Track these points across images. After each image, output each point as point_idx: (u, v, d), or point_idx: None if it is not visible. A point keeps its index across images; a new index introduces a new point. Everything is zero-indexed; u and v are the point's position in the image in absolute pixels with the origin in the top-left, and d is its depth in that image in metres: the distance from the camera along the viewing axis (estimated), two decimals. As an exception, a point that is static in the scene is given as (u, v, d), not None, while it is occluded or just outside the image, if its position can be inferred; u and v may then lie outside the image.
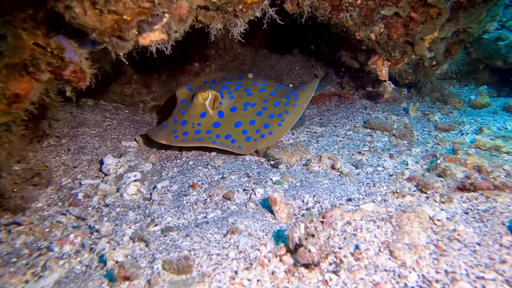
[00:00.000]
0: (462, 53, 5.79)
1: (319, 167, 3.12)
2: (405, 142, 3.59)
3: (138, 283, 1.70)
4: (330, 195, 2.58)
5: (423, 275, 1.71)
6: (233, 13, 2.38)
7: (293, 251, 1.87)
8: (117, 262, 1.94)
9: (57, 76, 2.09)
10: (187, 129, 3.58)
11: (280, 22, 2.69)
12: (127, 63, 2.13)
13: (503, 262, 1.75)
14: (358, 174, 2.94)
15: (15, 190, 2.84)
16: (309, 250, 1.78)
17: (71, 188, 3.05)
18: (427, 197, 2.39)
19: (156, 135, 3.56)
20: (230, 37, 6.44)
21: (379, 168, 3.01)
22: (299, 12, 3.27)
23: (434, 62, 4.40)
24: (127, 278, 1.72)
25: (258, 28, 3.83)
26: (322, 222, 2.00)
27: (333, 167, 3.07)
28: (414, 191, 2.49)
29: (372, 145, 3.48)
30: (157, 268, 1.82)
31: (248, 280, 1.70)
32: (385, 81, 4.40)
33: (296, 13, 3.26)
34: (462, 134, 3.65)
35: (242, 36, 2.67)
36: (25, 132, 2.88)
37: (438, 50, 4.10)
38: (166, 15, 1.94)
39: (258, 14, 2.55)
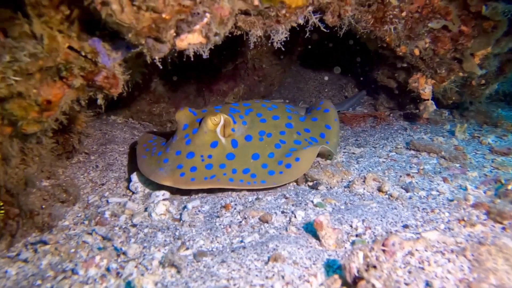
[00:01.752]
0: None
1: (364, 189, 2.81)
2: (457, 165, 3.23)
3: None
4: (381, 220, 2.25)
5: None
6: (275, 18, 2.21)
7: (350, 284, 1.56)
8: (145, 290, 1.68)
9: (89, 82, 1.96)
10: (195, 163, 2.88)
11: (324, 29, 2.49)
12: (161, 67, 1.98)
13: None
14: (410, 198, 2.61)
15: (44, 206, 2.68)
16: (373, 285, 1.46)
17: (98, 206, 2.87)
18: (503, 228, 2.02)
19: (155, 174, 2.85)
20: (259, 57, 6.32)
21: (434, 192, 2.66)
22: (339, 25, 3.07)
23: (483, 81, 4.07)
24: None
25: (289, 45, 3.47)
26: (383, 251, 1.68)
27: (380, 190, 2.75)
28: (485, 219, 2.13)
29: (420, 167, 3.14)
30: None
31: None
32: (427, 100, 4.09)
33: (336, 26, 3.06)
34: (524, 158, 3.25)
35: (282, 44, 2.47)
36: (55, 146, 2.77)
37: (490, 67, 3.78)
38: (207, 14, 1.79)
39: (301, 21, 2.39)
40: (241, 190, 2.97)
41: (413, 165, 3.27)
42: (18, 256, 2.35)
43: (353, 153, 3.80)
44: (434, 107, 3.91)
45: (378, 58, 4.61)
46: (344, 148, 4.01)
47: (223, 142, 3.04)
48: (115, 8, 1.57)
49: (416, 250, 1.85)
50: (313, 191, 2.89)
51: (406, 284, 1.59)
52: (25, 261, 2.26)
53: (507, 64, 3.95)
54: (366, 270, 1.54)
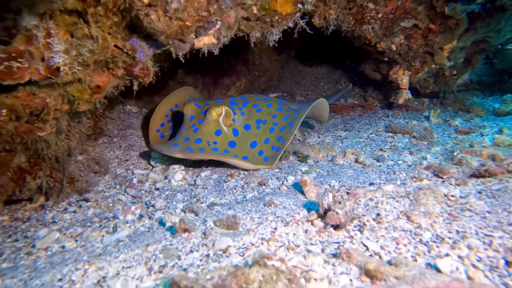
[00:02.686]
0: (486, 65, 6.06)
1: (344, 161, 3.47)
2: (425, 142, 3.88)
3: (195, 234, 2.10)
4: (354, 181, 2.91)
5: (436, 234, 2.00)
6: (270, 23, 2.86)
7: (322, 216, 2.22)
8: (173, 223, 2.35)
9: (128, 72, 2.62)
10: (203, 146, 3.37)
11: (309, 31, 3.14)
12: (183, 61, 2.63)
13: (511, 224, 2.02)
14: (379, 166, 3.27)
15: (82, 175, 3.36)
16: (337, 213, 2.12)
17: (125, 177, 3.54)
18: (443, 181, 2.68)
19: (169, 150, 3.32)
20: (259, 54, 6.92)
21: (400, 162, 3.33)
22: (325, 26, 3.72)
23: (455, 72, 4.71)
24: (186, 230, 2.12)
25: (286, 43, 4.08)
26: (347, 193, 2.35)
27: (356, 161, 3.41)
28: (432, 177, 2.78)
29: (393, 144, 3.80)
30: (210, 225, 2.21)
31: (286, 233, 2.05)
32: (405, 89, 4.73)
33: (323, 27, 3.70)
34: (482, 136, 3.90)
35: (277, 44, 3.12)
36: (91, 126, 3.43)
37: (458, 59, 4.43)
38: (219, 22, 2.44)
39: (291, 25, 3.03)
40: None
41: (388, 143, 3.93)
42: (66, 210, 3.03)
43: (339, 136, 4.46)
44: (410, 95, 4.54)
45: (365, 53, 5.25)
46: (333, 132, 4.66)
47: (225, 130, 3.51)
48: (154, 18, 2.22)
49: (375, 197, 2.50)
50: (302, 163, 3.56)
51: (363, 215, 2.25)
52: (74, 211, 2.93)
53: (474, 56, 4.59)
54: (334, 204, 2.20)
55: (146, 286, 1.67)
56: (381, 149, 3.65)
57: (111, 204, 2.94)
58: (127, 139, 4.27)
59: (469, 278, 1.67)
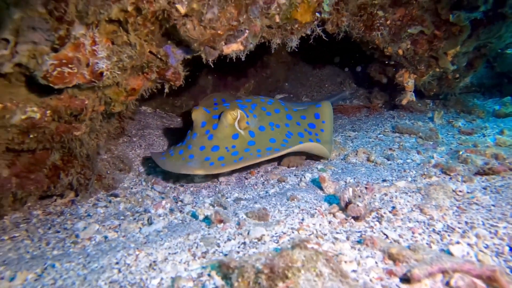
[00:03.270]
0: (487, 68, 6.34)
1: (356, 159, 3.71)
2: (431, 142, 4.13)
3: (230, 224, 2.33)
4: (367, 177, 3.16)
5: (447, 225, 2.25)
6: (290, 31, 3.10)
7: (344, 208, 2.46)
8: (206, 216, 2.58)
9: (161, 76, 2.84)
10: (222, 154, 3.18)
11: (325, 38, 3.38)
12: (213, 66, 2.86)
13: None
14: (390, 164, 3.51)
15: (108, 172, 3.58)
16: (358, 205, 2.36)
17: (148, 174, 3.76)
18: (450, 178, 2.93)
19: (185, 168, 3.08)
20: (267, 57, 7.15)
21: (408, 160, 3.57)
22: (337, 32, 3.96)
23: (457, 75, 4.97)
24: (221, 221, 2.35)
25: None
26: (366, 188, 2.59)
27: (368, 159, 3.65)
28: (440, 174, 3.03)
29: (401, 144, 4.05)
30: (242, 216, 2.45)
31: (313, 224, 2.29)
32: (410, 91, 4.99)
33: (335, 33, 3.95)
34: (484, 136, 4.16)
35: (295, 49, 3.35)
36: (117, 126, 3.65)
37: (461, 63, 4.69)
38: (246, 31, 2.68)
39: (309, 32, 3.27)
40: (261, 163, 3.85)
41: (396, 143, 4.18)
42: (97, 204, 3.25)
43: (349, 136, 4.70)
44: (414, 97, 4.79)
45: (371, 57, 5.50)
46: (342, 133, 4.91)
47: (242, 134, 3.37)
48: (189, 27, 2.45)
49: (389, 192, 2.75)
50: (317, 162, 3.80)
51: (380, 208, 2.49)
52: (106, 206, 3.16)
53: (475, 61, 4.86)
54: (354, 198, 2.44)
55: (194, 268, 1.90)
56: (390, 149, 3.90)
57: (140, 199, 3.16)
58: (146, 139, 4.49)
59: (479, 261, 1.92)
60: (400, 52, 4.49)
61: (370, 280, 1.71)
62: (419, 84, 4.94)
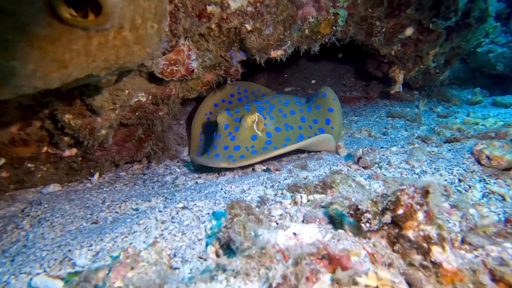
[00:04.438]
0: (462, 64, 7.74)
1: (360, 135, 5.05)
2: (416, 123, 5.49)
3: (283, 172, 3.62)
4: (369, 145, 4.48)
5: (423, 169, 3.59)
6: (314, 40, 4.39)
7: (356, 162, 3.78)
8: (265, 168, 3.86)
9: (226, 72, 4.10)
10: (243, 153, 3.70)
11: (338, 45, 4.68)
12: (264, 65, 4.14)
13: (463, 163, 3.62)
14: (385, 138, 4.86)
15: (172, 145, 4.83)
16: (366, 159, 3.69)
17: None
18: (427, 144, 4.28)
19: (212, 161, 3.64)
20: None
21: (399, 136, 4.92)
22: (345, 38, 5.26)
23: (438, 70, 6.33)
24: (277, 170, 3.65)
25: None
26: (371, 149, 3.92)
27: (369, 135, 4.99)
28: (420, 142, 4.38)
29: (393, 124, 5.40)
30: (290, 167, 3.75)
31: (339, 169, 3.60)
32: (399, 84, 6.34)
33: (343, 38, 5.24)
34: (456, 118, 5.54)
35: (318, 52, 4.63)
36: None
37: (439, 61, 6.05)
38: (288, 41, 3.96)
39: (327, 40, 4.56)
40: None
41: (389, 124, 5.53)
42: (169, 167, 4.50)
43: (352, 120, 6.03)
44: (401, 89, 6.12)
45: (369, 56, 6.82)
46: (346, 118, 6.23)
47: (260, 135, 3.88)
48: (253, 39, 3.72)
49: (386, 153, 4.08)
50: (330, 137, 5.12)
51: (379, 161, 3.81)
52: (178, 167, 4.41)
53: (451, 59, 6.23)
54: (363, 154, 3.76)
55: (270, 192, 3.18)
56: (385, 128, 5.25)
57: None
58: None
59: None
60: (393, 52, 5.81)
61: (375, 190, 3.04)
62: (407, 78, 6.28)
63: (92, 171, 4.32)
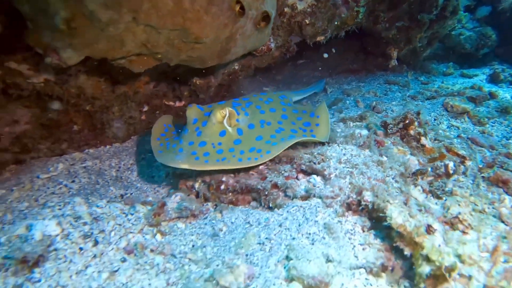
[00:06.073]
0: (439, 44, 10.16)
1: (368, 95, 7.41)
2: (406, 88, 7.90)
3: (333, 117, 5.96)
4: (376, 99, 6.86)
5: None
6: (342, 29, 6.65)
7: (372, 109, 6.14)
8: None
9: (287, 50, 6.32)
10: (207, 150, 3.54)
11: (357, 31, 6.96)
12: (312, 46, 6.38)
13: (437, 109, 6.05)
14: (386, 97, 7.24)
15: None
16: (378, 107, 6.07)
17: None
18: (415, 100, 6.71)
19: (173, 161, 3.49)
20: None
21: (395, 95, 7.31)
22: (359, 26, 7.51)
23: (422, 49, 8.71)
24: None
25: None
26: (379, 102, 6.29)
27: (375, 95, 7.36)
28: (410, 100, 6.79)
29: (390, 88, 7.79)
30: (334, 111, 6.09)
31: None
32: (394, 59, 8.70)
33: (358, 27, 7.49)
34: (434, 85, 7.98)
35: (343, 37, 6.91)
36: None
37: (423, 42, 8.41)
38: (329, 30, 6.22)
39: (349, 28, 6.83)
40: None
41: (387, 88, 7.90)
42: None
43: (360, 85, 8.37)
44: (396, 63, 8.48)
45: (369, 37, 9.09)
46: (354, 85, 8.55)
47: (230, 131, 3.73)
48: (309, 29, 5.92)
49: (389, 106, 6.47)
50: (347, 96, 7.46)
51: (385, 110, 6.18)
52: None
53: (432, 41, 8.62)
54: (376, 105, 6.11)
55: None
56: (385, 91, 7.63)
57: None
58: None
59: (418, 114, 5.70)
60: (390, 36, 8.12)
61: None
62: (400, 55, 8.64)
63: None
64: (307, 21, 5.82)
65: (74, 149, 5.09)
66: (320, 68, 10.72)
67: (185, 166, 3.48)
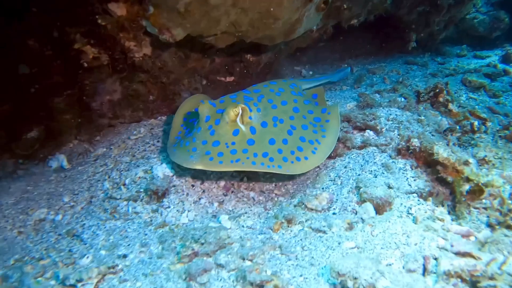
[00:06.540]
0: (455, 27, 10.97)
1: (391, 73, 8.29)
2: (425, 67, 8.77)
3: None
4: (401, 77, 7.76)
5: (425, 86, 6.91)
6: (372, 14, 7.51)
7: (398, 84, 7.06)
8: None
9: (324, 31, 7.20)
10: (221, 149, 3.58)
11: (385, 16, 7.82)
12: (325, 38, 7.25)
13: (456, 84, 6.96)
14: (408, 74, 8.13)
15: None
16: (405, 82, 6.98)
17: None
18: (436, 77, 7.60)
19: (187, 162, 3.57)
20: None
21: (416, 73, 8.19)
22: (385, 11, 8.34)
23: (439, 32, 9.54)
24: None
25: None
26: (405, 74, 7.20)
27: (397, 73, 8.24)
28: (432, 76, 7.69)
29: (411, 68, 8.68)
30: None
31: (390, 87, 6.87)
32: (412, 42, 9.55)
33: (384, 12, 8.33)
34: (451, 65, 8.85)
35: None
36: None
37: (440, 26, 9.25)
38: (362, 15, 7.08)
39: (378, 13, 7.70)
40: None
41: (408, 68, 8.77)
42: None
43: (381, 65, 9.22)
44: (415, 45, 9.32)
45: (391, 21, 9.89)
46: (376, 64, 9.40)
47: (243, 129, 3.75)
48: (346, 13, 6.79)
49: (413, 81, 7.37)
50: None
51: (411, 84, 7.08)
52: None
53: (448, 24, 9.45)
54: (402, 80, 7.02)
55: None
56: (407, 70, 8.52)
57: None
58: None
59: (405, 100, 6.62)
60: (411, 20, 8.96)
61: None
62: (417, 38, 9.48)
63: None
64: (345, 6, 6.66)
65: (148, 117, 5.98)
66: (340, 51, 11.57)
67: (199, 166, 3.57)
